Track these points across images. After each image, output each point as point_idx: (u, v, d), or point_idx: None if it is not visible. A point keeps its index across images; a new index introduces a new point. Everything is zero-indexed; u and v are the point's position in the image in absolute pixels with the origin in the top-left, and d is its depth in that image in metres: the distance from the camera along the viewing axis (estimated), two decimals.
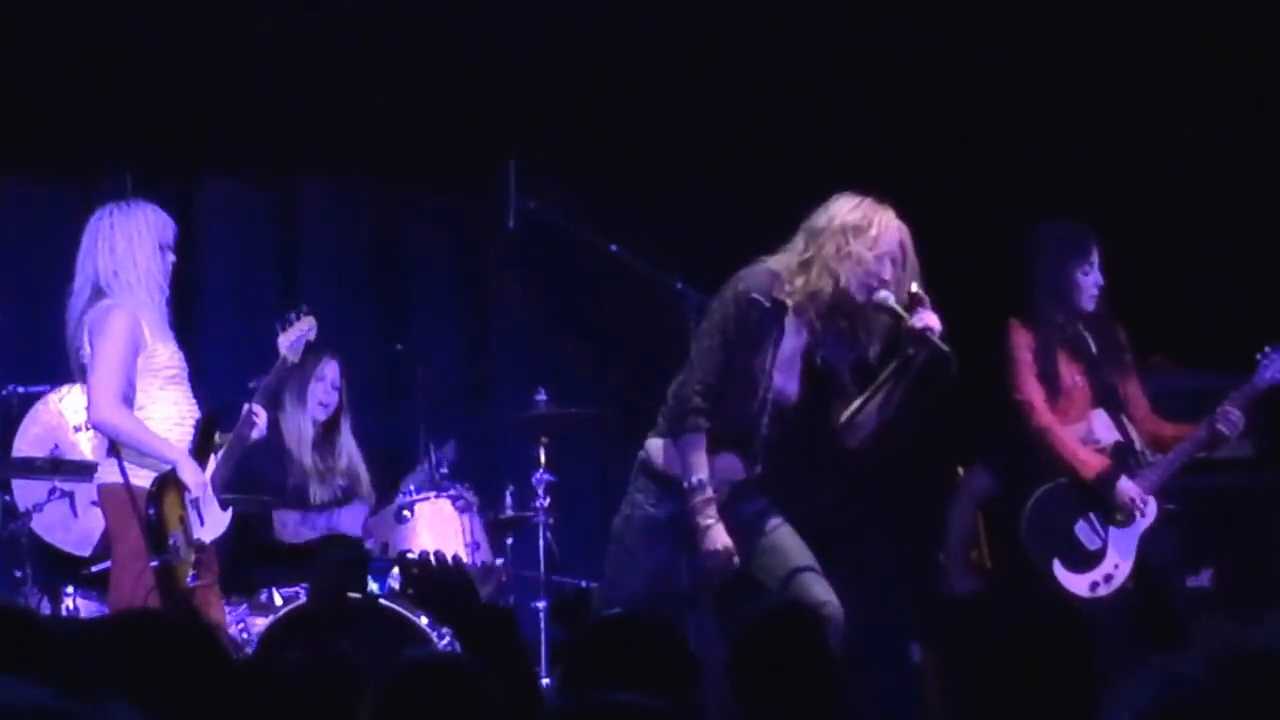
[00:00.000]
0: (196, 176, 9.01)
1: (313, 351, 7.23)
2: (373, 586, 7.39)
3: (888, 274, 5.91)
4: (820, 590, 5.94)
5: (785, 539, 6.09)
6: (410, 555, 7.29)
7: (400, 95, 8.84)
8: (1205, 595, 7.72)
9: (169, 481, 6.37)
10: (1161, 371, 7.88)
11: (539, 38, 8.81)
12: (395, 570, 7.33)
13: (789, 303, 6.00)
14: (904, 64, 8.89)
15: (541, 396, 8.06)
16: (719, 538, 5.93)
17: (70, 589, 7.38)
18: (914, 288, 5.95)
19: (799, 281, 5.99)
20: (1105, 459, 7.22)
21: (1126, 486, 7.16)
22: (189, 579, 6.38)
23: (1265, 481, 8.07)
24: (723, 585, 6.16)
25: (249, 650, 7.12)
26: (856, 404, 6.07)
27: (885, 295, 5.92)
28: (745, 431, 6.07)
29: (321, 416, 8.01)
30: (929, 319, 5.89)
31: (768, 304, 5.98)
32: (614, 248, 7.46)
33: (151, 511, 6.29)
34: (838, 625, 5.82)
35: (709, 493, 5.95)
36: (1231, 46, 8.53)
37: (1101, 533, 7.20)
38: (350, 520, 7.90)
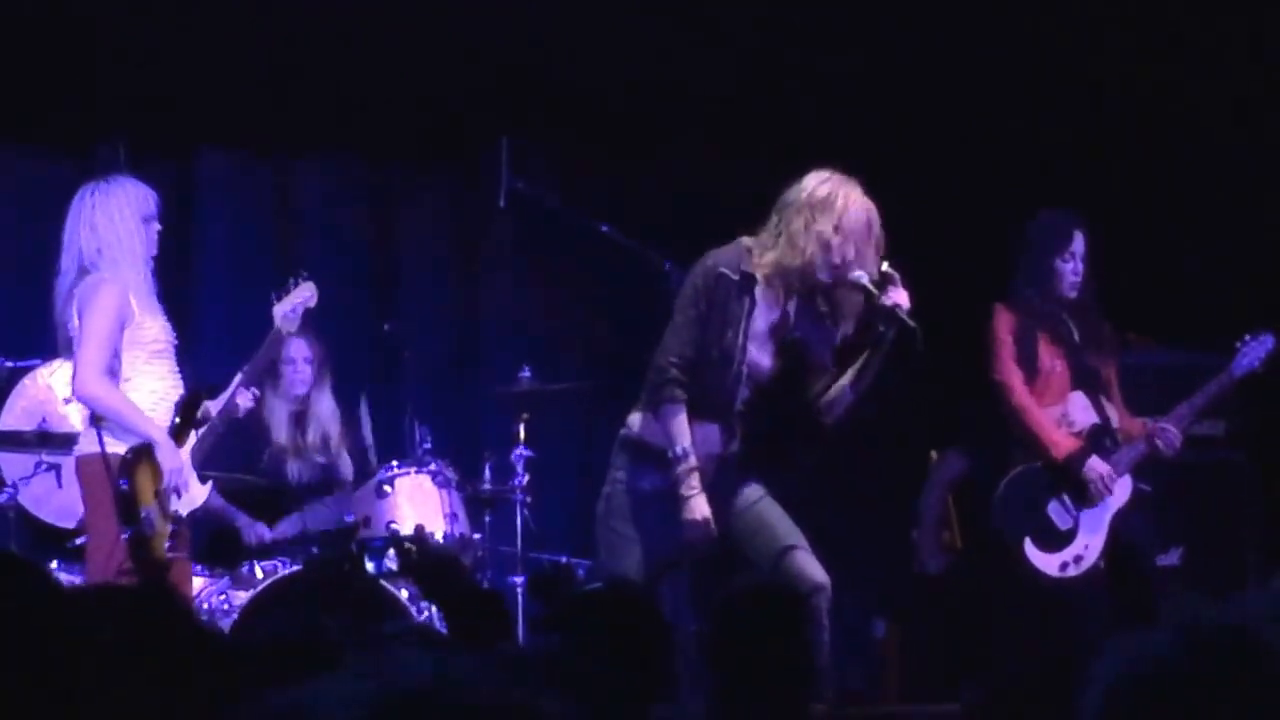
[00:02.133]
0: (192, 151, 9.01)
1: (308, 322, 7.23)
2: (369, 566, 7.43)
3: (851, 252, 5.96)
4: (813, 568, 6.00)
5: (772, 515, 6.14)
6: (402, 533, 7.44)
7: (394, 73, 8.84)
8: (1175, 573, 7.81)
9: (143, 453, 6.37)
10: (1136, 349, 7.95)
11: (532, 15, 8.80)
12: (391, 550, 7.40)
13: (759, 275, 6.06)
14: (903, 38, 8.93)
15: (525, 374, 8.09)
16: (699, 508, 5.98)
17: (55, 563, 7.36)
18: (885, 266, 6.01)
19: (768, 256, 6.05)
20: (1076, 440, 7.31)
21: (1095, 464, 7.26)
22: (164, 551, 6.38)
23: (1235, 460, 8.17)
24: (708, 560, 6.24)
25: (228, 623, 7.14)
26: (832, 381, 6.13)
27: (859, 274, 5.98)
28: (722, 403, 6.10)
29: (297, 392, 8.03)
30: (899, 296, 5.97)
31: (736, 277, 6.04)
32: (605, 228, 7.49)
33: (124, 483, 6.31)
34: (828, 599, 5.90)
35: (693, 461, 5.99)
36: (1219, 36, 8.59)
37: (1073, 513, 7.29)
38: (324, 518, 7.93)
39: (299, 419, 8.05)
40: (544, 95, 8.95)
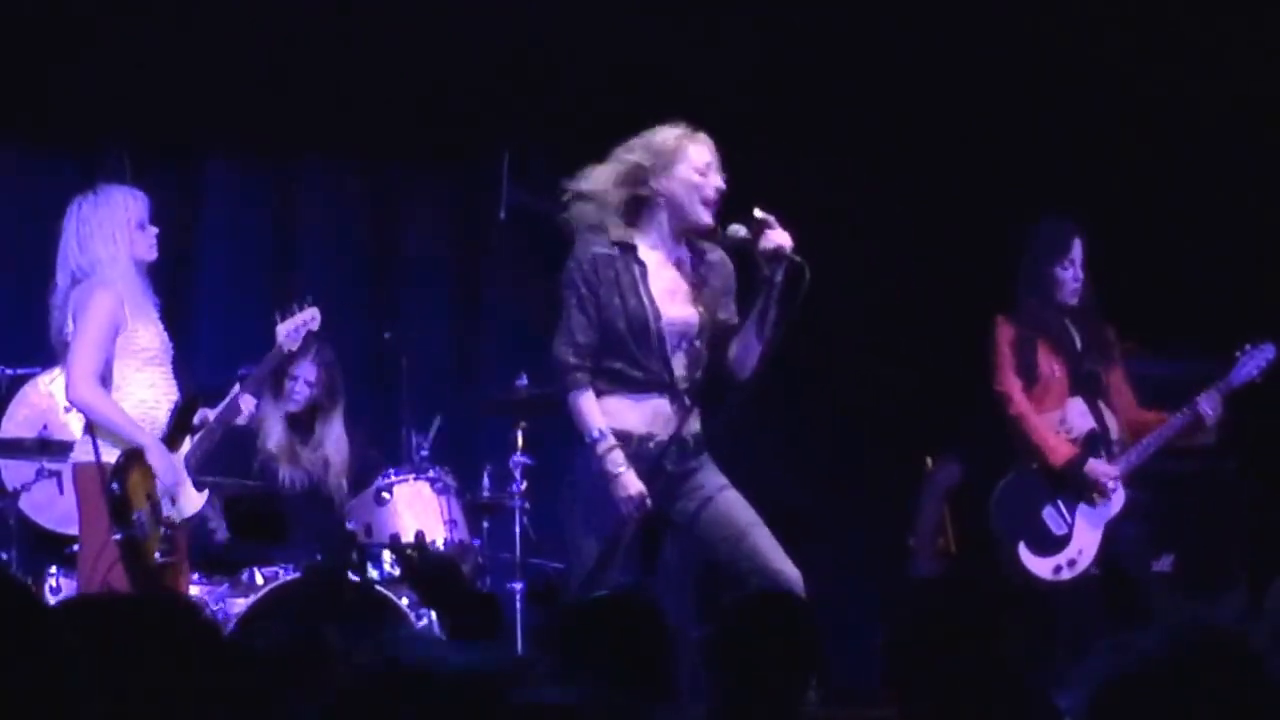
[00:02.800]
0: (194, 156, 9.02)
1: (308, 347, 7.26)
2: (372, 573, 7.44)
3: (710, 191, 6.04)
4: (777, 557, 5.94)
5: (734, 504, 6.06)
6: (402, 539, 7.46)
7: (395, 78, 8.83)
8: (1166, 579, 7.85)
9: (135, 457, 6.38)
10: (1133, 358, 7.93)
11: (537, 23, 8.80)
12: (389, 555, 7.43)
13: (635, 241, 6.06)
14: (904, 56, 8.95)
15: (523, 381, 8.08)
16: (628, 483, 5.91)
17: (54, 569, 7.36)
18: (757, 212, 6.01)
19: (638, 224, 6.07)
20: (1073, 447, 7.35)
21: (1095, 465, 7.31)
22: (156, 556, 6.39)
23: (1225, 468, 8.21)
24: (704, 569, 6.25)
25: (229, 628, 7.15)
26: (734, 336, 6.11)
27: (735, 228, 6.02)
28: (659, 371, 6.05)
29: (292, 409, 8.03)
30: (779, 238, 5.95)
31: (613, 250, 6.04)
32: None
33: (115, 486, 6.30)
34: (799, 588, 5.82)
35: (610, 440, 5.94)
36: (1222, 43, 8.61)
37: (1068, 518, 7.33)
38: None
39: (295, 428, 8.05)
40: (545, 100, 8.94)
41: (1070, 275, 7.37)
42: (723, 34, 8.94)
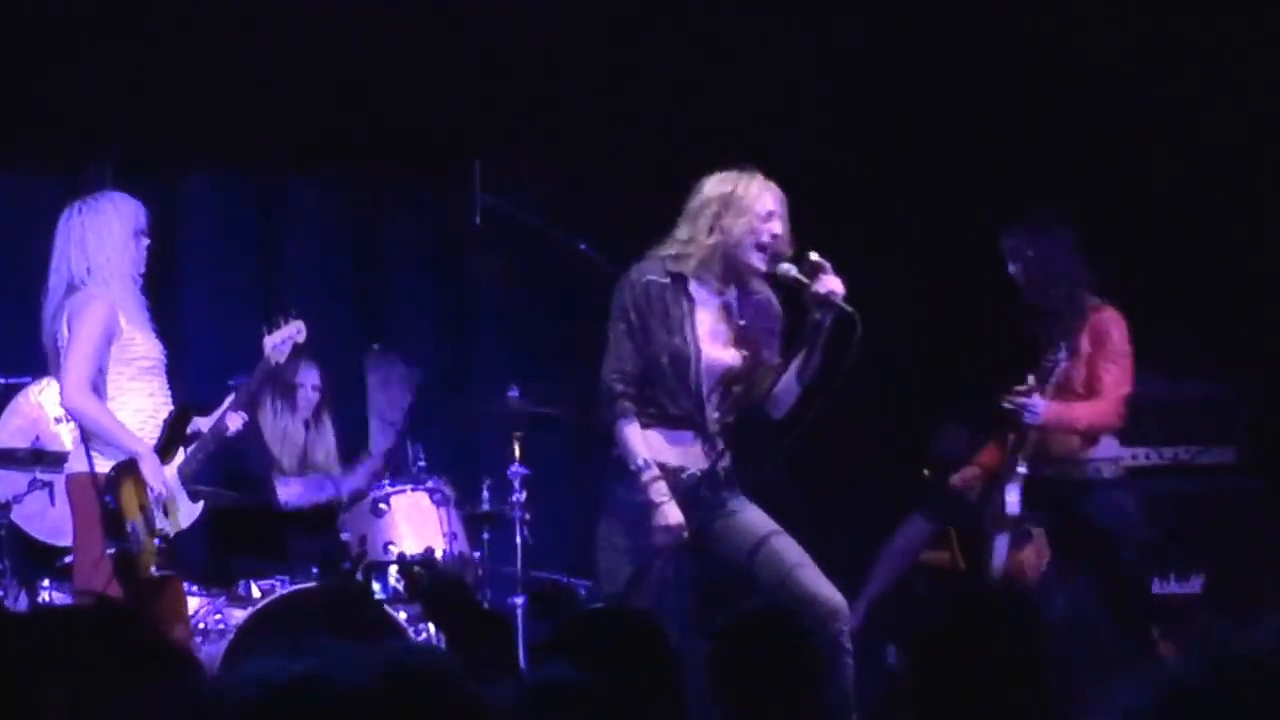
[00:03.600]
0: (177, 170, 8.99)
1: (296, 356, 7.24)
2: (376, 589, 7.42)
3: (765, 237, 6.06)
4: (828, 591, 5.99)
5: (777, 537, 6.11)
6: (409, 555, 7.39)
7: (377, 90, 8.81)
8: (1196, 601, 7.73)
9: (128, 469, 6.36)
10: (1145, 380, 7.88)
11: (516, 32, 8.79)
12: (398, 573, 7.34)
13: (687, 273, 6.12)
14: (900, 62, 8.90)
15: (514, 393, 8.02)
16: (670, 514, 6.00)
17: (46, 581, 7.32)
18: (814, 255, 6.06)
19: (693, 260, 6.12)
20: None
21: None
22: (152, 569, 6.37)
23: (1252, 487, 8.08)
24: (713, 584, 6.23)
25: (224, 643, 7.12)
26: (778, 376, 6.15)
27: (786, 267, 6.06)
28: (692, 409, 6.12)
29: (306, 415, 8.18)
30: (832, 283, 6.00)
31: (666, 280, 6.12)
32: (583, 246, 7.47)
33: (109, 499, 6.30)
34: (849, 623, 5.95)
35: (654, 471, 6.02)
36: (1228, 53, 8.54)
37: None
38: (352, 483, 7.99)
39: (293, 434, 8.09)
40: (524, 112, 8.93)
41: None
42: (717, 47, 8.89)
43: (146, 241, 6.56)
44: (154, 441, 6.45)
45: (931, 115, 8.91)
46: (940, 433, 8.50)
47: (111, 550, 6.29)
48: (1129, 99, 8.72)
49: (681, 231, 6.16)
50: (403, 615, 7.21)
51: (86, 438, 6.40)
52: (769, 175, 6.23)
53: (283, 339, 6.76)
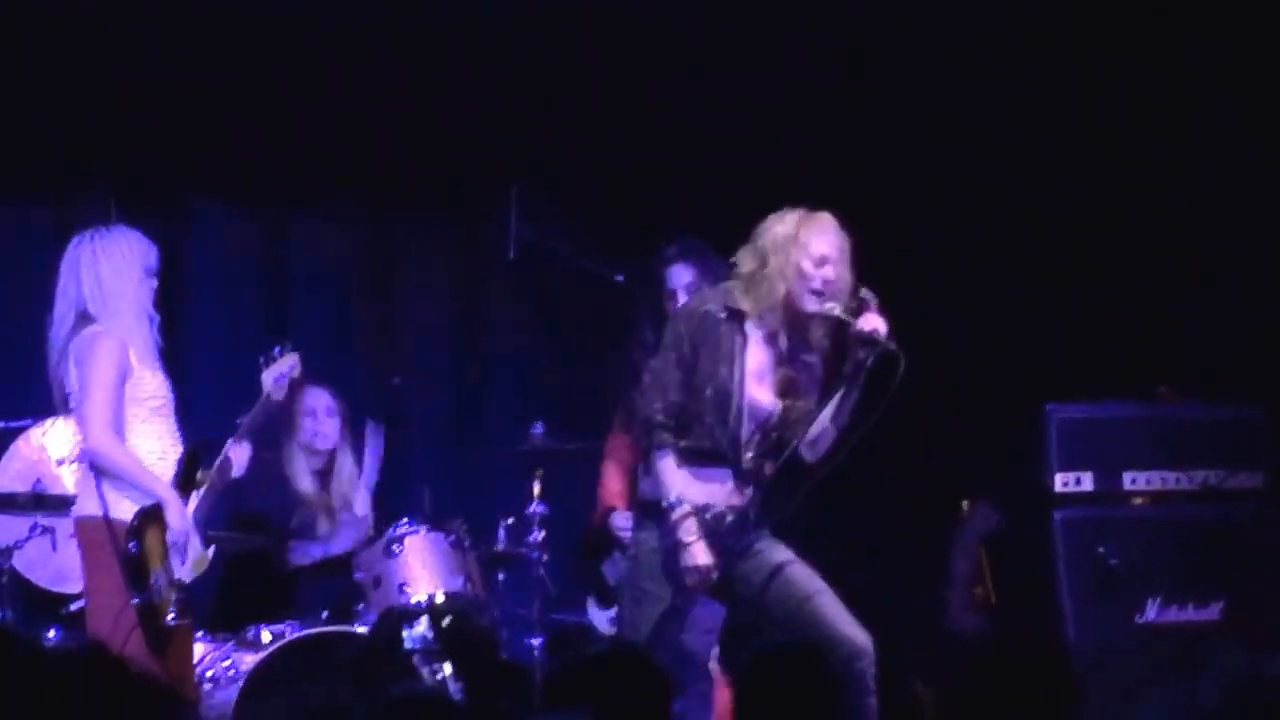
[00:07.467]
0: (181, 203, 8.92)
1: (297, 387, 7.11)
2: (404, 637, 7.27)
3: (818, 283, 6.01)
4: (853, 630, 5.93)
5: (802, 576, 6.07)
6: (414, 592, 7.27)
7: (393, 123, 8.79)
8: (1216, 627, 7.62)
9: (151, 516, 6.22)
10: (1168, 402, 7.81)
11: (540, 62, 8.77)
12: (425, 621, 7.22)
13: (747, 310, 6.09)
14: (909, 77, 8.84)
15: (538, 430, 7.97)
16: (697, 554, 5.97)
17: (52, 632, 7.23)
18: (862, 292, 6.03)
19: (750, 298, 6.09)
20: None
21: None
22: (169, 618, 6.24)
23: (1272, 514, 7.97)
24: (740, 623, 6.18)
25: (234, 689, 7.02)
26: (813, 418, 6.10)
27: (830, 305, 6.01)
28: (728, 447, 6.07)
29: (322, 447, 8.00)
30: (875, 321, 5.96)
31: (723, 314, 6.09)
32: (619, 277, 7.40)
33: (133, 546, 6.16)
34: (873, 663, 5.89)
35: (686, 509, 5.99)
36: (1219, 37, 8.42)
37: None
38: (342, 541, 7.88)
39: (324, 476, 7.94)
40: (548, 145, 8.89)
41: None
42: (731, 69, 8.83)
43: (154, 283, 6.46)
44: (170, 484, 6.32)
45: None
46: (972, 511, 8.45)
47: (135, 601, 6.14)
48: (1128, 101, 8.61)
49: (742, 267, 6.13)
50: (448, 669, 7.06)
51: (102, 480, 6.25)
52: (781, 205, 6.15)
53: (279, 373, 6.64)
